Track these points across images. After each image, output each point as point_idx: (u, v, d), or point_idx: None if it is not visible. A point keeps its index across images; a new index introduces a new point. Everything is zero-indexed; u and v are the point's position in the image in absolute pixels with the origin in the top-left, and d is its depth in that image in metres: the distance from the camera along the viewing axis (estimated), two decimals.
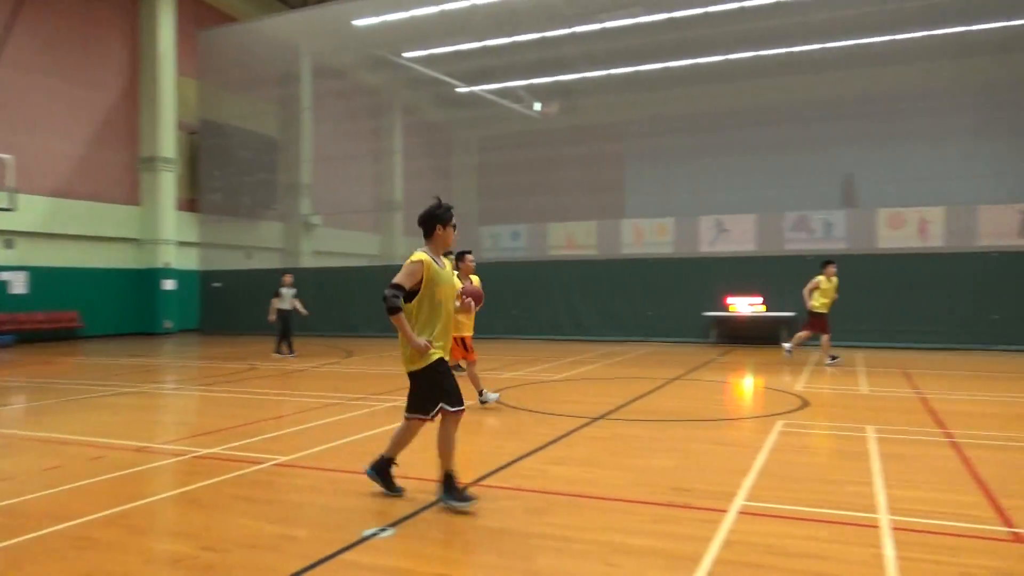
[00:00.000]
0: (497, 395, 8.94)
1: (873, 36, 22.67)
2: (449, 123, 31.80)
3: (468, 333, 8.75)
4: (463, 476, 5.45)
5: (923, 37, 22.42)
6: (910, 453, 6.25)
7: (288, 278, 15.60)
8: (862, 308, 16.64)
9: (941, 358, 14.38)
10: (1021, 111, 22.35)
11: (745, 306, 17.67)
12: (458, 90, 27.26)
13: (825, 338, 13.24)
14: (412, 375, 4.84)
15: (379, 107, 30.00)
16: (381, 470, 5.06)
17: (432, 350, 4.75)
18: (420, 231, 4.89)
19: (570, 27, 23.07)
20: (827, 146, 24.94)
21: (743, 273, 17.97)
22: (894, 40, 22.78)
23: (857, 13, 21.49)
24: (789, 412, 8.25)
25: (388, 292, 4.66)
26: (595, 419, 7.81)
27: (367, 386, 10.85)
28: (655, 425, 7.51)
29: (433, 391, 4.77)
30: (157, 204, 23.41)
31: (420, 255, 4.77)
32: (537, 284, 20.34)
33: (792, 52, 24.09)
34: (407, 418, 4.93)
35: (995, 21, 21.41)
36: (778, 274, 17.75)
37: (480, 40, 24.19)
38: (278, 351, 15.39)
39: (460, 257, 8.60)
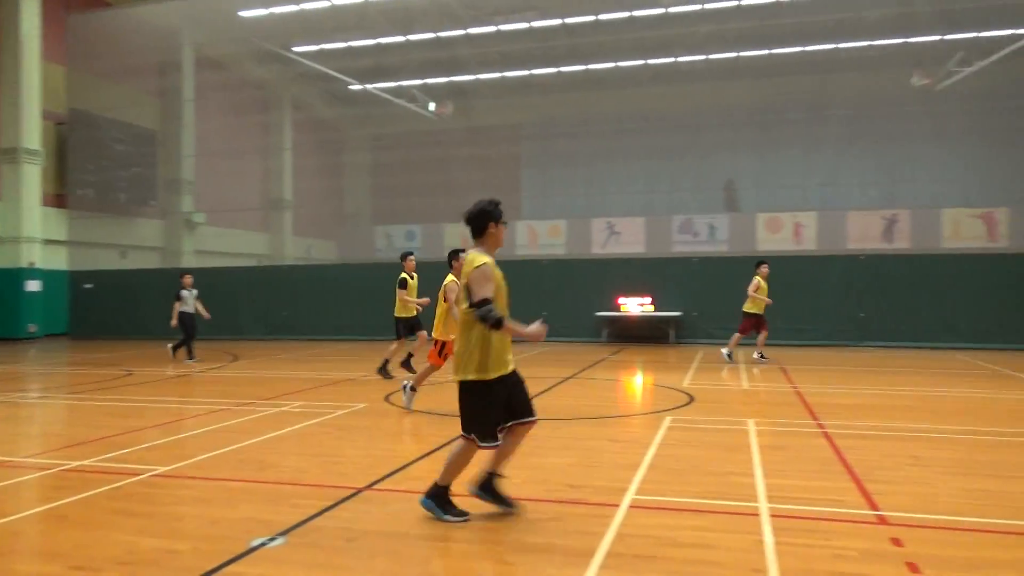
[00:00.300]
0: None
1: (752, 50, 23.94)
2: (341, 121, 31.17)
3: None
4: (351, 481, 5.34)
5: (797, 53, 23.89)
6: (787, 444, 6.62)
7: (188, 279, 14.88)
8: (739, 307, 17.48)
9: (815, 354, 15.30)
10: (884, 125, 24.18)
11: (635, 306, 18.21)
12: (351, 87, 26.76)
13: (762, 336, 13.80)
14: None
15: (267, 102, 29.01)
16: (487, 487, 4.60)
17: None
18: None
19: (465, 28, 23.09)
20: (712, 153, 26.15)
21: (633, 274, 18.51)
22: (772, 54, 24.16)
23: (738, 27, 22.60)
24: (677, 408, 8.56)
25: (483, 311, 4.24)
26: None
27: (254, 391, 10.45)
28: (550, 424, 7.60)
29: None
30: (20, 199, 21.67)
31: (482, 256, 4.41)
32: (433, 285, 20.20)
33: (679, 62, 25.11)
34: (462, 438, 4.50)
35: (860, 40, 23.06)
36: (666, 275, 18.40)
37: (373, 37, 23.82)
38: (190, 356, 14.67)
39: (455, 256, 8.44)
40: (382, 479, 5.43)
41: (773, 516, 4.48)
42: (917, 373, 12.10)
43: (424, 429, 7.45)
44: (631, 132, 26.38)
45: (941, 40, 22.13)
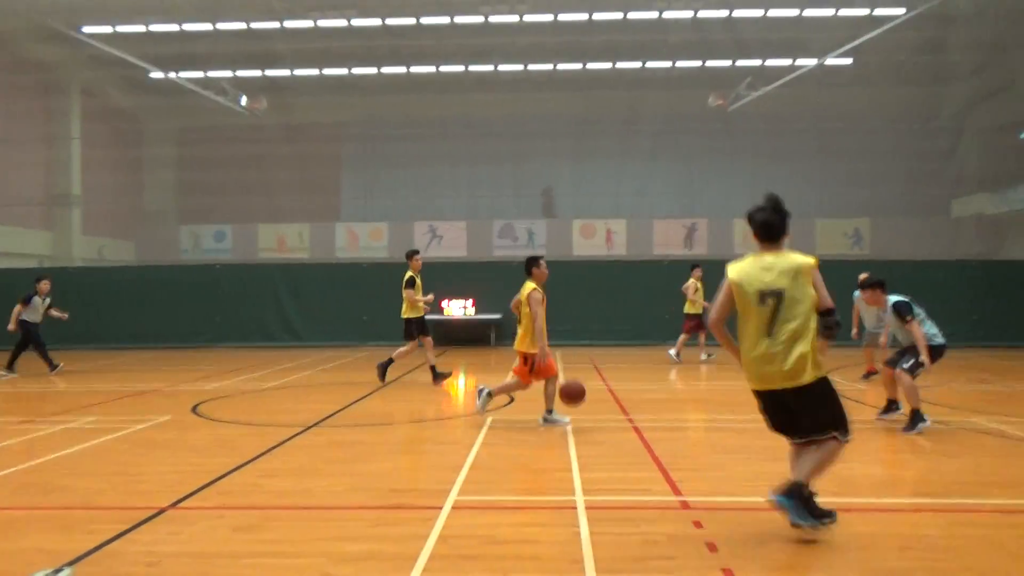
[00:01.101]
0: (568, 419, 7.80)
1: (569, 63, 25.03)
2: (141, 111, 28.66)
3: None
4: (153, 500, 4.94)
5: (609, 69, 25.29)
6: (601, 439, 6.96)
7: (45, 285, 13.13)
8: (559, 310, 18.10)
9: (624, 353, 16.26)
10: (686, 140, 26.21)
11: (457, 309, 18.38)
12: (152, 75, 24.69)
13: (702, 336, 14.27)
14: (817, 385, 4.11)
15: (52, 86, 26.04)
16: (805, 500, 4.15)
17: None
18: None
19: (280, 21, 22.14)
20: (531, 160, 27.00)
21: (455, 277, 18.67)
22: (587, 69, 25.38)
23: (555, 41, 23.51)
24: (498, 408, 8.73)
25: (834, 319, 4.11)
26: (310, 427, 7.56)
27: (37, 406, 9.35)
28: (373, 429, 7.47)
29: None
30: None
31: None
32: (245, 288, 19.15)
33: (500, 70, 25.68)
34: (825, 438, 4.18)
35: (665, 61, 24.83)
36: (487, 279, 18.74)
37: (178, 23, 22.17)
38: (9, 368, 12.82)
39: (534, 262, 7.78)
40: (189, 496, 5.05)
41: (589, 508, 4.69)
42: (717, 368, 13.22)
43: (238, 441, 7.03)
44: (454, 136, 26.61)
45: (733, 66, 24.39)
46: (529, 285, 7.67)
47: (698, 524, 4.37)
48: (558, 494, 5.02)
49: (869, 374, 11.09)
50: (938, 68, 23.32)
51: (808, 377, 4.01)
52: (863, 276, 10.58)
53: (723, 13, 21.58)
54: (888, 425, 7.47)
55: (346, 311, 18.82)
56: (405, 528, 4.36)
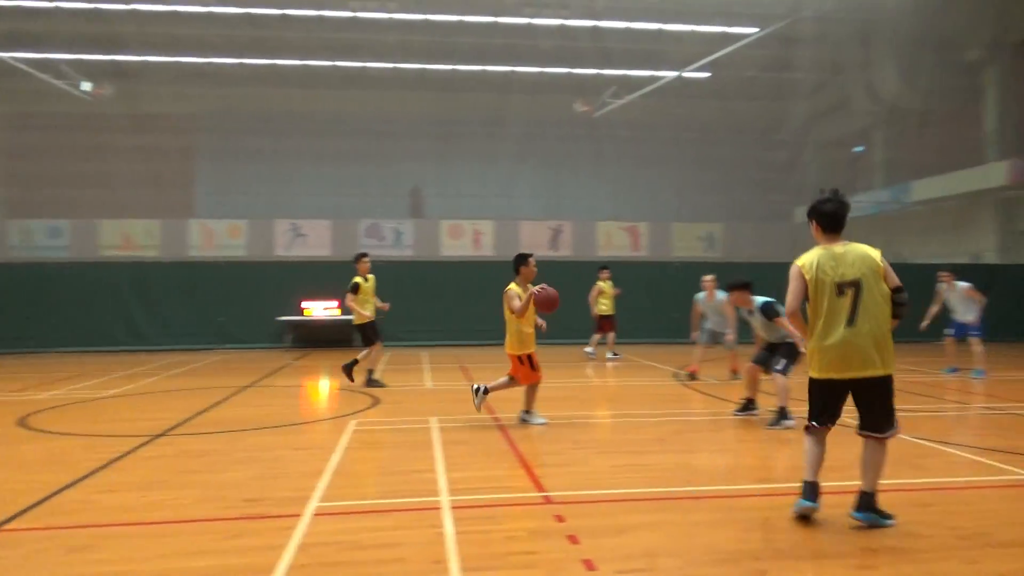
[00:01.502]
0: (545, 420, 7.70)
1: (437, 64, 24.94)
2: None
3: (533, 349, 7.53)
4: None
5: (478, 71, 25.45)
6: (467, 438, 6.96)
7: None
8: (427, 310, 18.09)
9: (492, 353, 16.35)
10: (552, 144, 26.77)
11: (321, 310, 17.84)
12: None
13: (611, 336, 14.34)
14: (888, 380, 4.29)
15: None
16: (871, 507, 4.30)
17: None
18: None
19: (127, 3, 20.65)
20: (399, 159, 26.65)
21: (319, 277, 18.12)
22: (456, 70, 25.41)
23: (424, 41, 23.36)
24: (361, 411, 8.54)
25: (905, 295, 4.32)
26: (156, 436, 7.06)
27: None
28: (226, 436, 7.08)
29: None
30: None
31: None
32: (83, 288, 17.64)
33: (368, 67, 25.21)
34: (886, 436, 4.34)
35: (532, 66, 25.26)
36: (352, 278, 18.33)
37: None
38: None
39: (523, 260, 7.52)
40: (14, 517, 4.58)
41: (454, 508, 4.66)
42: (574, 367, 13.58)
43: (72, 454, 6.45)
44: (319, 133, 25.83)
45: (598, 74, 25.21)
46: (511, 286, 7.62)
47: (560, 518, 4.45)
48: (423, 495, 4.96)
49: (692, 375, 11.34)
50: (784, 85, 25.14)
51: (890, 368, 4.27)
52: (708, 278, 11.19)
53: (589, 23, 22.28)
54: (744, 419, 7.93)
55: (200, 312, 17.80)
56: (260, 539, 4.15)
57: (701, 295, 11.19)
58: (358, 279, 10.75)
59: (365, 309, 10.63)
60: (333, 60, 24.59)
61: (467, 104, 26.54)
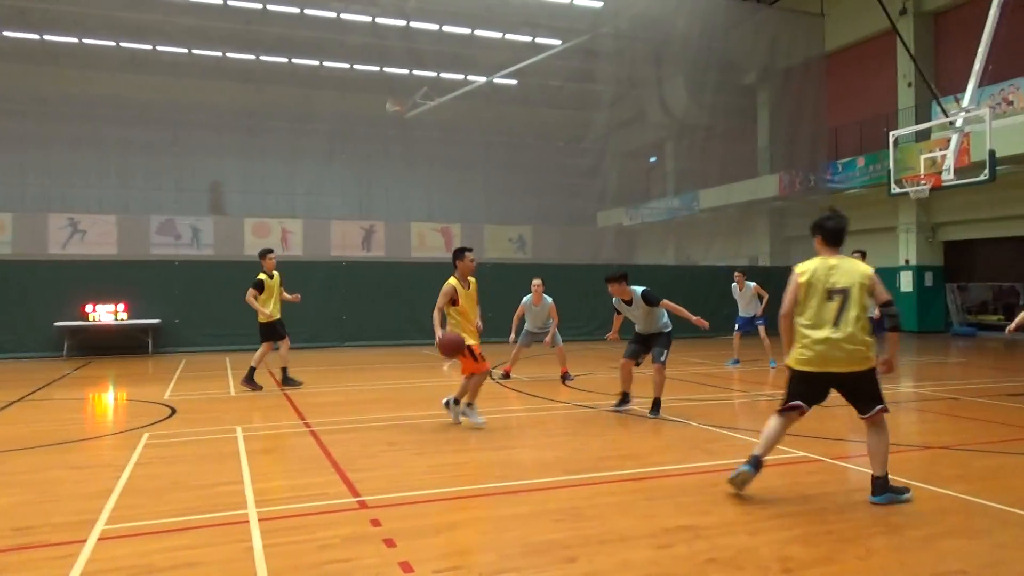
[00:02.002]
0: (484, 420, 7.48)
1: (239, 53, 23.61)
2: None
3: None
4: None
5: (284, 64, 24.41)
6: (276, 446, 6.63)
7: None
8: (230, 313, 17.06)
9: (300, 356, 15.74)
10: (363, 143, 26.28)
11: (106, 314, 16.23)
12: None
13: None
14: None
15: None
16: (886, 488, 4.77)
17: None
18: None
19: None
20: (196, 152, 24.90)
21: (104, 278, 16.49)
22: (260, 61, 24.19)
23: (224, 27, 22.02)
24: (156, 423, 7.86)
25: (895, 308, 4.83)
26: None
27: None
28: None
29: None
30: None
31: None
32: None
33: (160, 51, 23.31)
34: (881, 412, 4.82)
35: (342, 62, 24.68)
36: (143, 280, 16.89)
37: None
38: None
39: (459, 255, 7.43)
40: None
41: (262, 520, 4.42)
42: (388, 368, 13.45)
43: None
44: (101, 119, 23.43)
45: (410, 74, 25.12)
46: (449, 281, 7.41)
47: (376, 522, 4.36)
48: (227, 509, 4.65)
49: (506, 375, 11.52)
50: (586, 96, 26.54)
51: (868, 364, 4.75)
52: (536, 282, 11.53)
53: (400, 22, 22.14)
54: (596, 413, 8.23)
55: None
56: (34, 572, 3.68)
57: (527, 297, 11.47)
58: (263, 276, 10.46)
59: (267, 307, 10.35)
60: (117, 40, 22.48)
61: (273, 97, 25.37)
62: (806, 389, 4.87)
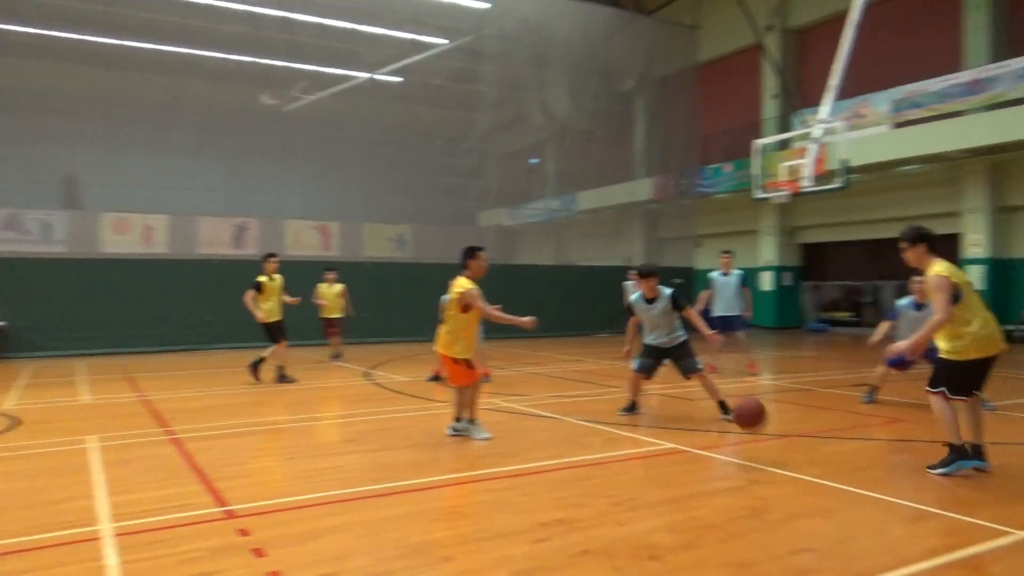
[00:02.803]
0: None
1: (98, 36, 22.02)
2: None
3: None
4: None
5: (150, 50, 22.96)
6: (134, 456, 6.22)
7: None
8: (85, 315, 15.94)
9: (164, 360, 14.89)
10: (235, 136, 25.13)
11: None
12: None
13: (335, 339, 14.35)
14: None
15: None
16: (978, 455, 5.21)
17: None
18: None
19: None
20: (47, 142, 23.04)
21: None
22: (122, 45, 22.63)
23: (81, 8, 20.48)
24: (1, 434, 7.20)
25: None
26: None
27: None
28: None
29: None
30: None
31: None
32: None
33: (8, 31, 21.36)
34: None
35: (214, 51, 23.49)
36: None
37: None
38: None
39: (471, 254, 6.64)
40: None
41: (118, 535, 4.12)
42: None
43: None
44: None
45: (288, 67, 24.23)
46: (461, 282, 6.59)
47: (244, 532, 4.17)
48: (76, 526, 4.31)
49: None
50: (469, 96, 26.56)
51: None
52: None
53: (279, 13, 21.33)
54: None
55: None
56: None
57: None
58: (262, 278, 10.84)
59: (263, 308, 10.69)
60: None
61: (137, 85, 23.84)
62: (974, 377, 5.18)
